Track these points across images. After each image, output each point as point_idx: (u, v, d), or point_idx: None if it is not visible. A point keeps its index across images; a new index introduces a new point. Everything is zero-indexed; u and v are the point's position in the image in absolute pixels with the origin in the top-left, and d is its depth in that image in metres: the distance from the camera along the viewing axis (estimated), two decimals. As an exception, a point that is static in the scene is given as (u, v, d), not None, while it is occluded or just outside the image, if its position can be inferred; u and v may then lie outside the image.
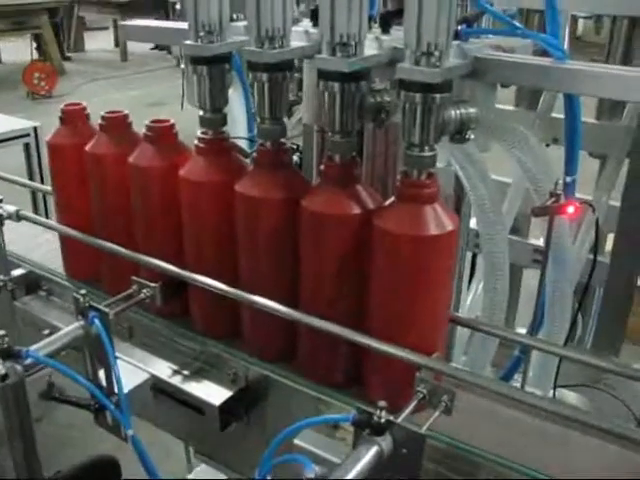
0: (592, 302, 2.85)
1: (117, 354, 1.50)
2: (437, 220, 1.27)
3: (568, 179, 1.51)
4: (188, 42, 1.46)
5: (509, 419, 1.38)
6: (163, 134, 1.65)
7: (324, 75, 1.31)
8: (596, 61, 1.82)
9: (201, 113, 1.55)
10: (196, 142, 1.57)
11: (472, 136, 1.27)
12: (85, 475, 2.52)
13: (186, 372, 1.64)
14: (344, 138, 1.36)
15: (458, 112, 1.26)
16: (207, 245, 1.60)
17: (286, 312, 1.45)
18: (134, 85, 11.16)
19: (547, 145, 2.74)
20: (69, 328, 1.45)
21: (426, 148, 1.25)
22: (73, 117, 1.82)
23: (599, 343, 2.64)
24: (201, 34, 1.44)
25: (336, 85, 1.30)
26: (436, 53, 1.16)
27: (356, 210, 1.35)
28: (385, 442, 1.08)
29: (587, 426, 1.22)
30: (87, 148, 1.73)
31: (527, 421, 1.37)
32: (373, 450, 1.07)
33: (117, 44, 13.77)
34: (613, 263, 2.49)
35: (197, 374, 1.63)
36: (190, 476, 2.87)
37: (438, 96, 1.20)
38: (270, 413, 1.57)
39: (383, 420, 1.08)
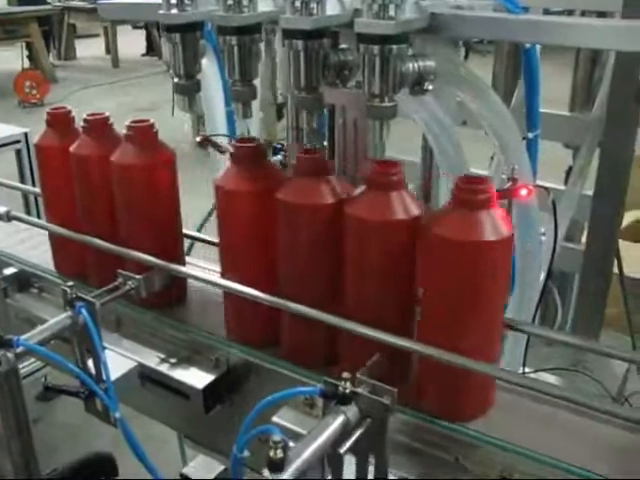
0: (571, 290, 2.94)
1: (105, 344, 1.58)
2: (494, 225, 1.27)
3: (530, 135, 1.60)
4: (162, 12, 1.53)
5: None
6: (142, 133, 1.73)
7: (288, 34, 1.42)
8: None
9: (175, 80, 1.62)
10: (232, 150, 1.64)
11: (430, 87, 1.37)
12: (82, 471, 2.59)
13: (171, 360, 1.71)
14: (310, 94, 1.45)
15: (416, 64, 1.35)
16: (243, 253, 1.63)
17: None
18: (125, 91, 11.24)
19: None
20: (58, 318, 1.52)
21: (386, 99, 1.34)
22: (58, 120, 1.91)
23: (578, 330, 2.72)
24: (173, 1, 1.50)
25: (299, 43, 1.40)
26: (392, 7, 1.25)
27: (405, 216, 1.36)
28: (351, 412, 1.16)
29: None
30: (71, 149, 1.81)
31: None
32: (339, 419, 1.14)
33: (108, 51, 13.84)
34: (587, 251, 2.58)
35: (182, 361, 1.71)
36: (184, 470, 2.93)
37: (395, 47, 1.30)
38: (252, 395, 1.65)
39: (348, 391, 1.16)
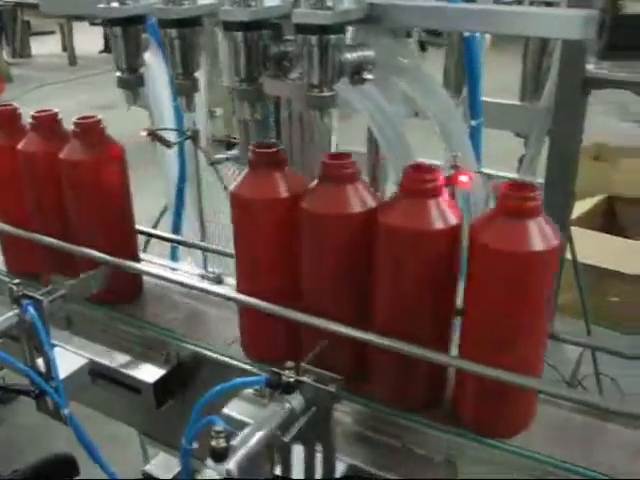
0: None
1: (55, 342, 1.58)
2: (543, 235, 1.20)
3: (473, 123, 1.62)
4: (102, 5, 1.52)
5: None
6: (90, 130, 1.72)
7: (227, 26, 1.42)
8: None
9: (118, 74, 1.62)
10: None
11: (369, 76, 1.38)
12: (42, 472, 2.57)
13: (123, 355, 1.71)
14: (250, 86, 1.46)
15: (355, 54, 1.37)
16: (262, 265, 1.52)
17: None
18: (83, 89, 11.10)
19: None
20: (4, 316, 1.51)
21: (325, 89, 1.35)
22: (5, 118, 1.88)
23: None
24: None
25: (239, 35, 1.41)
26: None
27: (444, 225, 1.28)
28: (296, 400, 1.17)
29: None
30: (19, 147, 1.79)
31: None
32: (284, 408, 1.16)
33: (65, 48, 13.66)
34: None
35: (133, 357, 1.70)
36: (146, 467, 2.93)
37: (332, 37, 1.31)
38: (204, 389, 1.64)
39: (292, 380, 1.17)
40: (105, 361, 1.69)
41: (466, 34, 1.66)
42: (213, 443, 1.04)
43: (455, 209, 1.30)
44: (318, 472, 1.27)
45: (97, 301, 1.81)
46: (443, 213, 1.27)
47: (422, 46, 5.07)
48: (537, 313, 1.26)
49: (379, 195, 1.37)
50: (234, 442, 1.07)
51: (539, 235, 1.19)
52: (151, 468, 2.27)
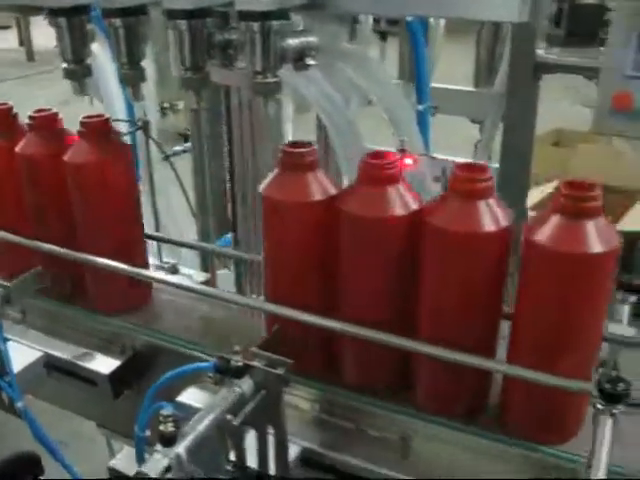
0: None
1: (9, 336, 1.57)
2: (602, 236, 1.14)
3: (420, 107, 1.63)
4: None
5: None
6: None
7: (171, 14, 1.42)
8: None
9: (64, 65, 1.60)
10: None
11: (312, 62, 1.40)
12: (5, 472, 2.55)
13: (78, 348, 1.70)
14: (196, 74, 1.46)
15: (297, 40, 1.38)
16: (295, 272, 1.42)
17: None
18: (42, 84, 10.96)
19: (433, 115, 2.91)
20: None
21: (269, 75, 1.36)
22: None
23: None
24: None
25: (182, 23, 1.41)
26: None
27: (496, 227, 1.20)
28: (246, 384, 1.18)
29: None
30: (17, 149, 1.68)
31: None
32: (233, 392, 1.17)
33: (22, 43, 13.46)
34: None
35: (89, 349, 1.70)
36: (111, 462, 2.92)
37: (275, 23, 1.32)
38: (159, 379, 1.65)
39: (240, 364, 1.18)
40: (60, 354, 1.68)
41: (409, 19, 1.67)
42: (161, 428, 1.04)
43: (504, 209, 1.22)
44: (271, 455, 1.28)
45: (108, 311, 1.72)
46: (494, 214, 1.20)
47: (383, 36, 5.09)
48: (595, 316, 1.22)
49: (420, 196, 1.30)
50: (184, 427, 1.08)
51: (598, 236, 1.14)
52: (116, 463, 2.27)
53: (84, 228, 1.67)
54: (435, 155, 2.76)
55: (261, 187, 1.36)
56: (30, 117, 1.66)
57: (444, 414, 1.36)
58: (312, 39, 1.37)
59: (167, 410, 1.05)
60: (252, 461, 1.29)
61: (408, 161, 1.34)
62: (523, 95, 2.52)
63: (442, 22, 2.92)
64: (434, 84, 2.82)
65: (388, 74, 1.54)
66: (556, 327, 1.20)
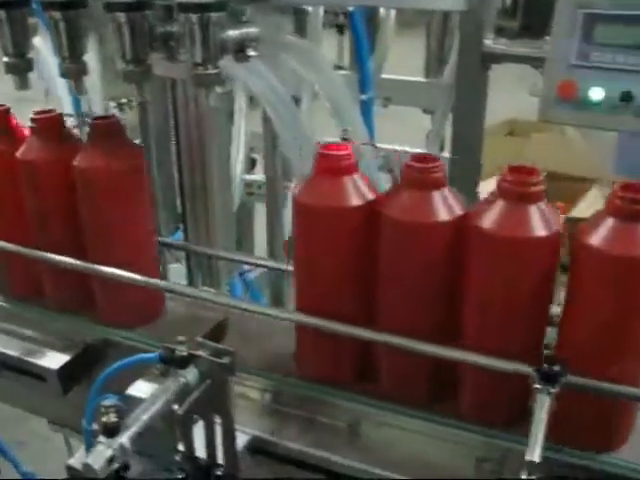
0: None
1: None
2: None
3: (364, 97, 1.64)
4: None
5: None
6: (107, 131, 1.55)
7: (110, 6, 1.42)
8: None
9: (5, 59, 1.58)
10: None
11: (252, 53, 1.40)
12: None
13: (26, 344, 1.69)
14: (137, 67, 1.46)
15: (238, 32, 1.39)
16: (330, 280, 1.37)
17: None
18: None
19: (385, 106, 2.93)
20: None
21: (209, 66, 1.36)
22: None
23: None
24: None
25: (122, 15, 1.41)
26: None
27: (547, 232, 1.17)
28: (190, 374, 1.19)
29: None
30: (18, 154, 1.61)
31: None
32: (178, 382, 1.17)
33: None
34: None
35: (37, 345, 1.69)
36: (70, 461, 2.90)
37: (214, 15, 1.32)
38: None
39: (185, 354, 1.18)
40: (7, 350, 1.67)
41: (350, 9, 1.69)
42: (104, 419, 1.05)
43: (554, 214, 1.19)
44: (219, 445, 1.29)
45: (117, 324, 1.66)
46: (545, 219, 1.17)
47: (340, 29, 5.11)
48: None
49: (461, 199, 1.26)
50: (128, 418, 1.09)
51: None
52: (75, 462, 2.25)
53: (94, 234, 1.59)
54: (385, 145, 2.80)
55: (294, 192, 1.31)
56: (32, 119, 1.57)
57: (487, 423, 1.32)
58: (253, 30, 1.38)
59: (109, 401, 1.06)
60: (201, 451, 1.30)
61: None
62: (472, 85, 2.53)
63: (392, 14, 2.94)
64: (386, 75, 2.85)
65: (330, 65, 1.54)
66: (611, 333, 1.18)
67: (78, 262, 1.58)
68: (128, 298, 1.62)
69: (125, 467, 1.25)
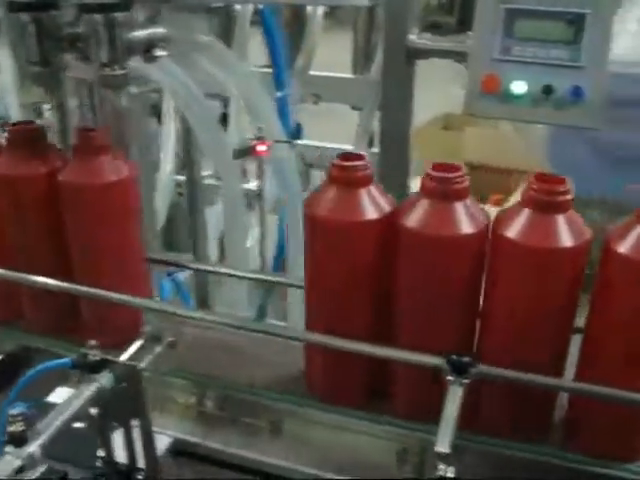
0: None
1: None
2: None
3: (279, 94, 1.65)
4: None
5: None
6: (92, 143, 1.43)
7: (12, 6, 1.40)
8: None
9: None
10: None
11: (160, 53, 1.39)
12: None
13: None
14: (45, 68, 1.43)
15: (145, 32, 1.37)
16: (345, 297, 1.30)
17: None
18: None
19: (316, 103, 2.94)
20: None
21: (116, 67, 1.35)
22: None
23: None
24: None
25: (25, 15, 1.38)
26: None
27: (575, 242, 1.13)
28: (105, 378, 1.17)
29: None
30: None
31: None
32: (92, 387, 1.16)
33: None
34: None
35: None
36: None
37: (118, 15, 1.31)
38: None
39: (98, 358, 1.17)
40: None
41: (260, 7, 1.69)
42: (11, 428, 1.03)
43: (580, 223, 1.15)
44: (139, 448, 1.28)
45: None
46: (574, 228, 1.13)
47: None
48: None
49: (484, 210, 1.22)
50: (39, 425, 1.07)
51: None
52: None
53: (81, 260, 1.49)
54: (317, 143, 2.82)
55: (305, 205, 1.24)
56: (9, 131, 1.45)
57: (511, 437, 1.29)
58: (161, 30, 1.36)
59: (17, 410, 1.04)
60: (119, 454, 1.28)
61: (261, 147, 1.35)
62: (397, 81, 2.55)
63: (320, 11, 2.96)
64: (314, 72, 2.86)
65: (243, 63, 1.54)
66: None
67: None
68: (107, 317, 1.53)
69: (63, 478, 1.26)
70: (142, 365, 1.19)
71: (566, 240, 1.11)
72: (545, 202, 1.13)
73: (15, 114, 2.00)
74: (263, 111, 1.59)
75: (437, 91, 2.72)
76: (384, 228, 1.23)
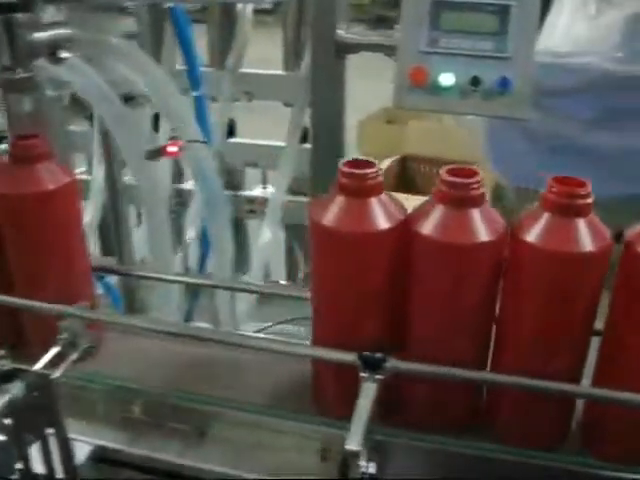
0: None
1: None
2: None
3: (194, 93, 1.63)
4: None
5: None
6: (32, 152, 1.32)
7: None
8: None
9: None
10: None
11: (67, 55, 1.36)
12: None
13: None
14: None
15: (48, 33, 1.34)
16: (355, 311, 1.23)
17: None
18: None
19: (250, 100, 2.93)
20: None
21: (19, 70, 1.32)
22: None
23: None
24: None
25: None
26: None
27: (596, 246, 1.08)
28: (16, 388, 1.15)
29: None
30: None
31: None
32: (4, 397, 1.13)
33: None
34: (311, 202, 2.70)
35: None
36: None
37: (20, 16, 1.28)
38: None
39: (7, 368, 1.15)
40: None
41: (169, 5, 1.67)
42: None
43: (602, 227, 1.11)
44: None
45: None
46: (594, 232, 1.09)
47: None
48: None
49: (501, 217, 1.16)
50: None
51: None
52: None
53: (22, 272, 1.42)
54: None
55: (311, 214, 1.17)
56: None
57: (527, 445, 1.23)
58: (66, 31, 1.33)
59: None
60: (38, 466, 1.26)
61: (172, 148, 1.34)
62: (327, 75, 2.55)
63: (249, 9, 2.94)
64: (246, 70, 2.84)
65: (155, 65, 1.52)
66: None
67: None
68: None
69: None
70: (56, 374, 1.17)
71: (588, 244, 1.07)
72: (566, 205, 1.08)
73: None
74: (178, 112, 1.57)
75: (379, 85, 2.73)
76: (398, 237, 1.16)
